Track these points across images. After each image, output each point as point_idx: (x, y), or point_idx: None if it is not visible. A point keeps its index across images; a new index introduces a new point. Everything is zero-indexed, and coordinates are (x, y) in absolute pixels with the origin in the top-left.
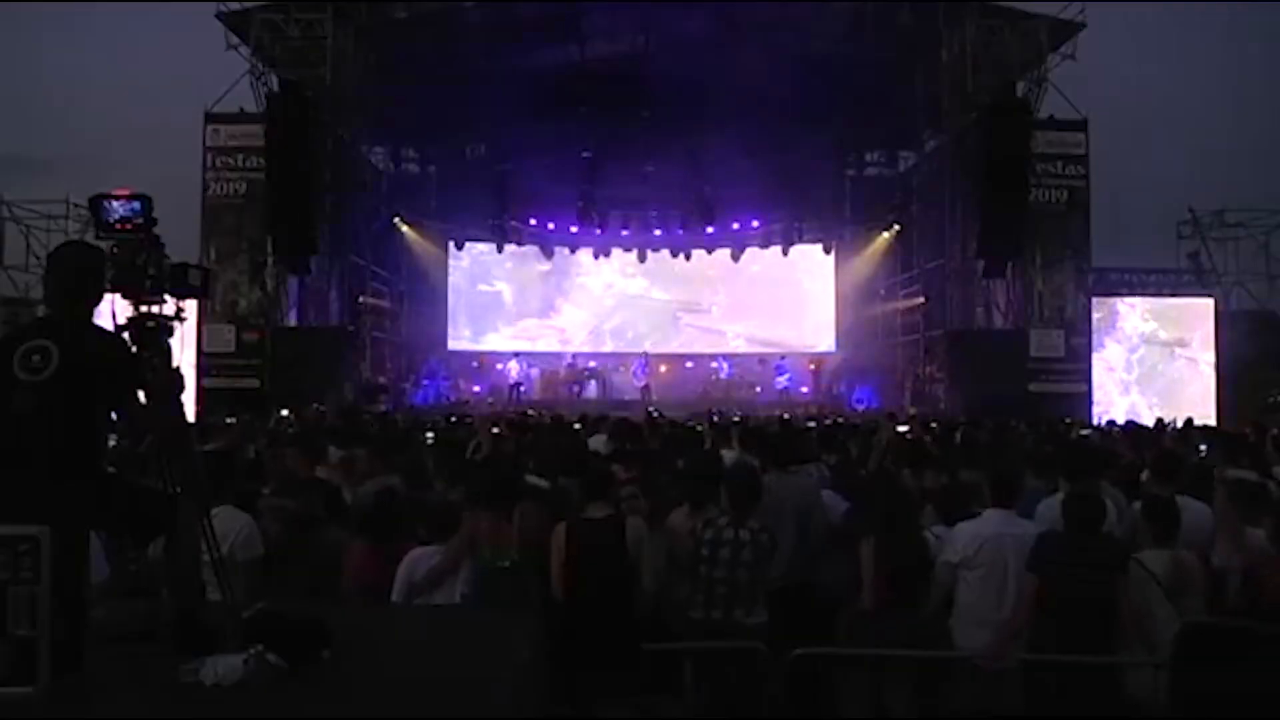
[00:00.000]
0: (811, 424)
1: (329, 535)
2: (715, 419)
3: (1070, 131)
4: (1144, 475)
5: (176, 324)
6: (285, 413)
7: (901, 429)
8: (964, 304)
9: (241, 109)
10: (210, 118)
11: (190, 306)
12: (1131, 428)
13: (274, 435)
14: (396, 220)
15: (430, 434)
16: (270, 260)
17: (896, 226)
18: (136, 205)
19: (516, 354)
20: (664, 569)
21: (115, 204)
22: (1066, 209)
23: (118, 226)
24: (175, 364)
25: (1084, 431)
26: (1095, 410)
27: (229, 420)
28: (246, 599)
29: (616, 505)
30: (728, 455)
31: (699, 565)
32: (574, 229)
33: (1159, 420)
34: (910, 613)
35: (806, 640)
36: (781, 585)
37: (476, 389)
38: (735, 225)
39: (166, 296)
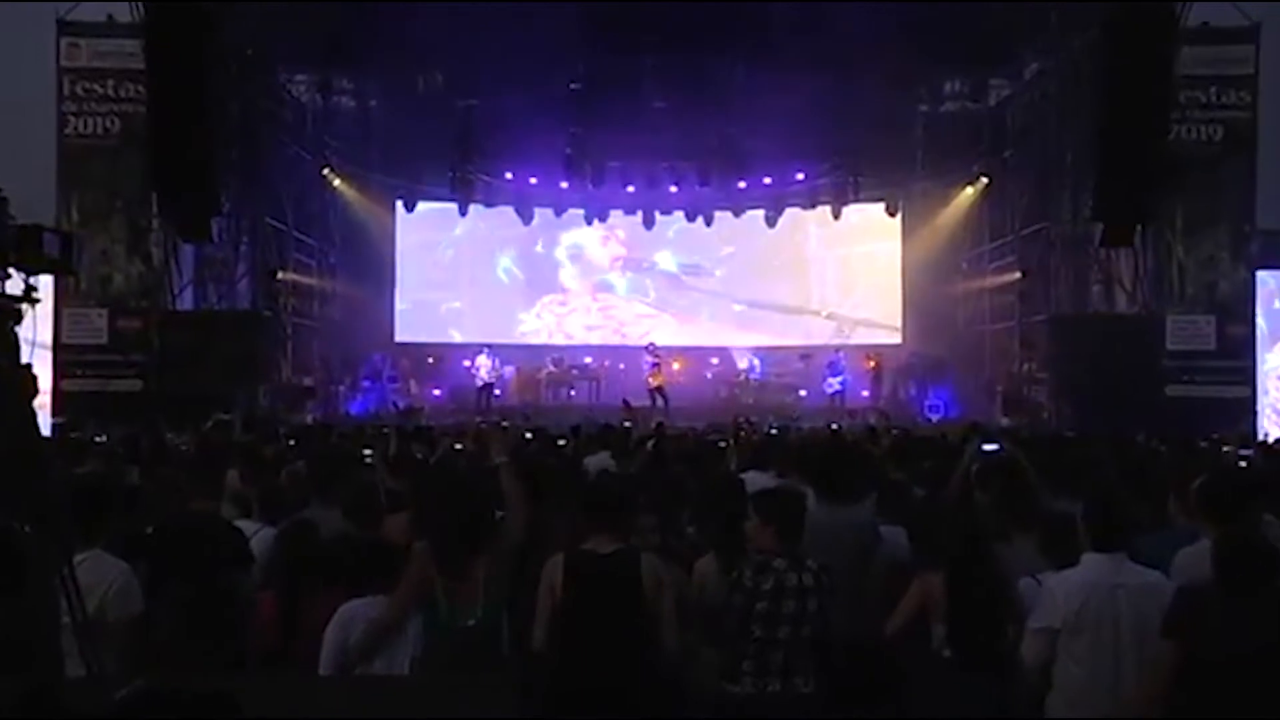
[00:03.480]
0: (871, 439)
1: (239, 587)
2: (743, 431)
3: (1231, 44)
4: None
5: (26, 307)
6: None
7: (989, 446)
8: (1076, 281)
9: (110, 17)
10: (65, 27)
11: (45, 284)
12: None
13: (161, 455)
14: (327, 171)
15: (369, 452)
16: (155, 223)
17: (984, 180)
18: None
19: (487, 347)
20: (678, 623)
21: None
22: (1222, 151)
23: None
24: (24, 361)
25: (1243, 452)
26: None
27: (99, 438)
28: (121, 672)
29: (628, 538)
30: (758, 479)
31: (750, 624)
32: (561, 184)
33: None
34: (993, 678)
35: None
36: (840, 645)
37: (435, 392)
38: (770, 180)
39: (11, 270)
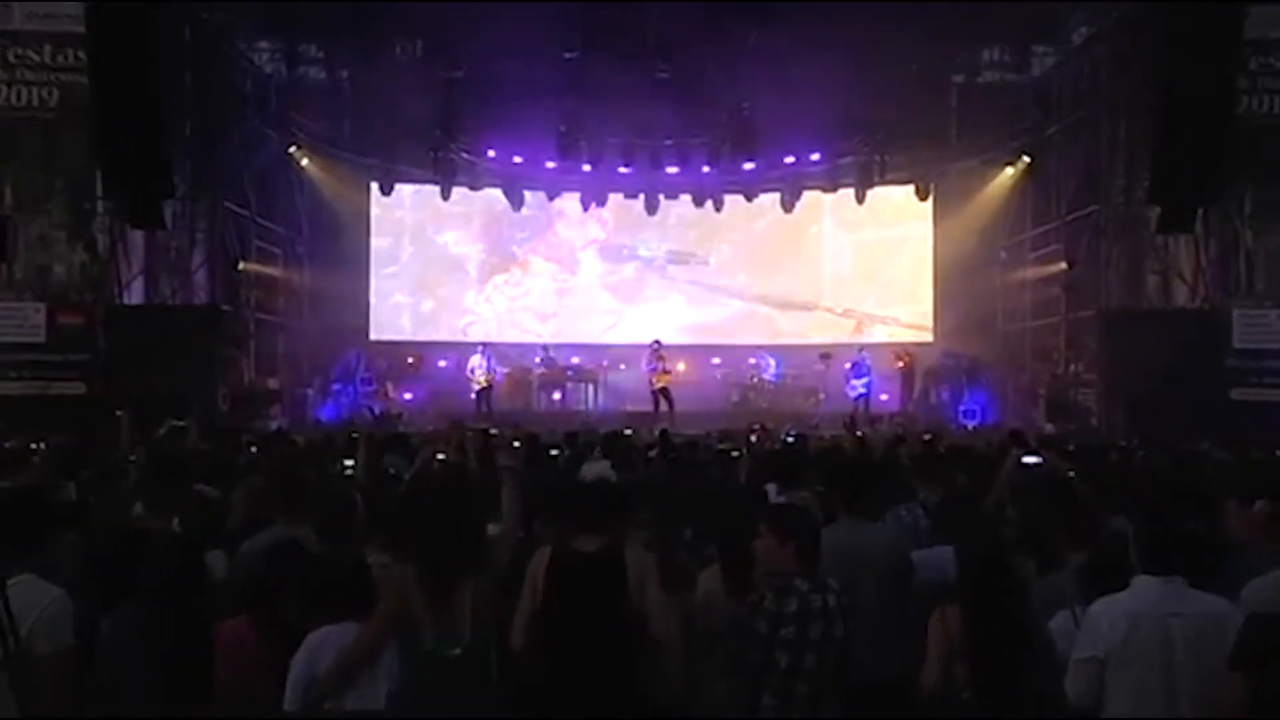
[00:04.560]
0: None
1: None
2: (756, 438)
3: None
4: None
5: None
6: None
7: (1030, 460)
8: (1129, 271)
9: None
10: None
11: None
12: None
13: (106, 466)
14: (294, 150)
15: (349, 463)
16: (100, 206)
17: (1026, 159)
18: None
19: (481, 346)
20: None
21: None
22: None
23: None
24: None
25: None
26: None
27: (36, 445)
28: (53, 710)
29: (617, 538)
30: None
31: (775, 652)
32: (552, 164)
33: None
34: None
35: None
36: (864, 680)
37: (406, 396)
38: (788, 159)
39: None
